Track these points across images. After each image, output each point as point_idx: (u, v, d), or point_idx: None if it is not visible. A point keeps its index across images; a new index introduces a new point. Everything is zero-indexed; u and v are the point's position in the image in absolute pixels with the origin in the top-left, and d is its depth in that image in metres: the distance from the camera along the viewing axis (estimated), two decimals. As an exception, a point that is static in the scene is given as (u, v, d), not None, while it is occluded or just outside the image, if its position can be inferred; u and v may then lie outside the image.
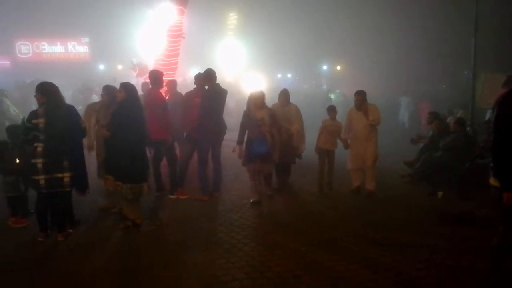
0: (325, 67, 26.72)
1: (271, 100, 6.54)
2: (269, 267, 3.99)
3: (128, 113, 4.84)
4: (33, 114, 4.47)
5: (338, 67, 26.47)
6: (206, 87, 6.10)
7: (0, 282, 3.74)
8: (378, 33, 21.96)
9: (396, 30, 21.36)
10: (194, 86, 6.37)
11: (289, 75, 26.49)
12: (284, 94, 6.55)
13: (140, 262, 4.11)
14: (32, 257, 4.22)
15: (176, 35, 10.86)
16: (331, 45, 24.57)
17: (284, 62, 25.08)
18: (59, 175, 4.45)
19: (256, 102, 5.74)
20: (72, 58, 24.60)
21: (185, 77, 16.30)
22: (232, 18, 19.19)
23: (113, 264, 4.09)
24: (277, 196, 6.29)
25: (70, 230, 4.74)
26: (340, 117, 6.80)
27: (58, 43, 24.65)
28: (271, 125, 5.70)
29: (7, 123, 7.66)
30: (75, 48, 24.94)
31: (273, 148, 5.71)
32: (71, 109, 4.67)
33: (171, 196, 6.16)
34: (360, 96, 6.32)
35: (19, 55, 24.05)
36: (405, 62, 20.42)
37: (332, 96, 17.11)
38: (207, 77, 6.07)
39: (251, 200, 5.93)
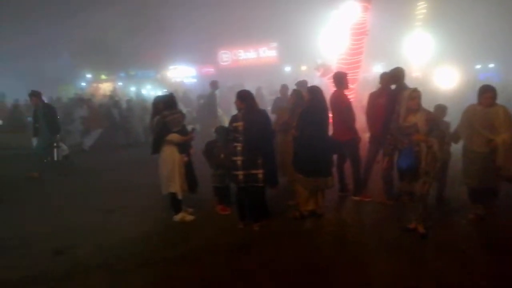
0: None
1: (465, 97, 5.72)
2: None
3: (314, 114, 5.23)
4: (234, 118, 5.17)
5: None
6: (393, 86, 5.85)
7: (205, 261, 4.43)
8: None
9: None
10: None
11: (491, 65, 21.92)
12: (489, 91, 4.89)
13: (321, 261, 4.28)
14: (232, 241, 4.88)
15: (360, 33, 10.71)
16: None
17: (485, 50, 21.25)
18: (254, 171, 5.02)
19: (410, 104, 4.51)
20: (263, 62, 27.23)
21: (367, 74, 15.87)
22: (421, 7, 17.68)
23: (297, 259, 4.35)
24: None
25: (264, 221, 5.27)
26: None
27: (251, 49, 27.78)
28: (427, 133, 4.45)
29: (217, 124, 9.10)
30: (265, 53, 27.57)
31: (431, 164, 4.44)
32: (263, 113, 5.24)
33: (355, 198, 6.15)
34: None
35: (221, 63, 28.22)
36: None
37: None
38: (394, 77, 5.81)
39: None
